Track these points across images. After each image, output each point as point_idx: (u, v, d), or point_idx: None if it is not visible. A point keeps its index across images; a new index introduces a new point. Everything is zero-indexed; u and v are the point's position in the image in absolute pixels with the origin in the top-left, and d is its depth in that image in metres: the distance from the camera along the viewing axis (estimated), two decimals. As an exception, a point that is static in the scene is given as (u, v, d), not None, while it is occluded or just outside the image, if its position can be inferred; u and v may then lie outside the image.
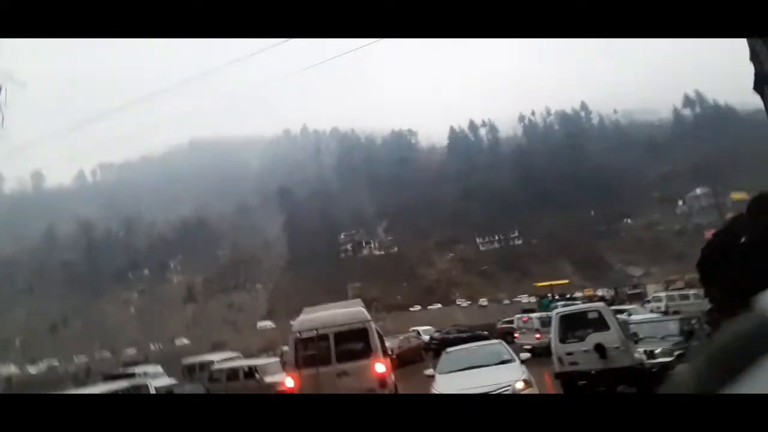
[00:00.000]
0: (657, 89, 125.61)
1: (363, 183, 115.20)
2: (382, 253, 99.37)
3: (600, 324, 9.85)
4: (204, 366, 20.22)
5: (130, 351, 73.01)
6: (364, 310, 8.98)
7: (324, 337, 8.02)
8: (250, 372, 15.35)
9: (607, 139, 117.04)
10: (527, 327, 19.50)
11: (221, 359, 20.93)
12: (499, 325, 31.35)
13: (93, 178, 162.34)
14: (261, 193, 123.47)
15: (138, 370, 19.28)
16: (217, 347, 56.86)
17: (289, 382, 8.03)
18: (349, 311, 8.97)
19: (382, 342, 8.99)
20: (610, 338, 8.92)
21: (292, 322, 9.36)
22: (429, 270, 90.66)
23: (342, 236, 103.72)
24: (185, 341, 74.19)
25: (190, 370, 20.83)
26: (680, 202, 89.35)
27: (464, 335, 27.78)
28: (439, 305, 69.20)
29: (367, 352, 7.96)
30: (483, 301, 68.16)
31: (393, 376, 8.66)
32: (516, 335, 20.73)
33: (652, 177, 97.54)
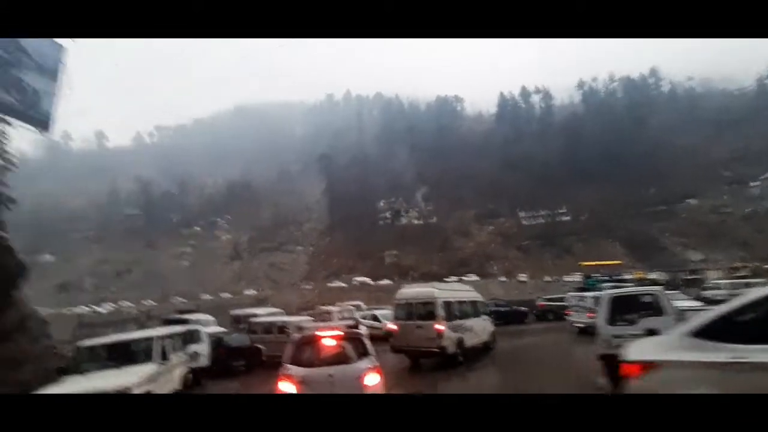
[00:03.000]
0: (742, 54, 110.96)
1: (404, 150, 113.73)
2: (421, 222, 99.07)
3: (655, 309, 9.36)
4: (249, 318, 21.57)
5: (184, 300, 79.42)
6: (436, 291, 12.97)
7: (410, 305, 13.09)
8: (282, 328, 16.40)
9: (677, 110, 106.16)
10: (581, 305, 19.26)
11: (265, 313, 22.36)
12: (539, 302, 30.78)
13: (150, 140, 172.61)
14: (303, 159, 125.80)
15: (192, 317, 20.87)
16: (260, 302, 60.48)
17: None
18: (426, 290, 13.28)
19: (448, 310, 12.77)
20: (664, 324, 8.41)
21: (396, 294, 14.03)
22: (467, 242, 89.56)
23: (381, 204, 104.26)
24: (232, 295, 79.39)
25: (237, 320, 22.39)
26: (752, 184, 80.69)
27: (502, 309, 27.58)
28: (476, 277, 68.59)
29: (432, 316, 12.32)
30: (522, 277, 66.73)
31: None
32: (569, 312, 21.04)
33: (722, 154, 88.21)
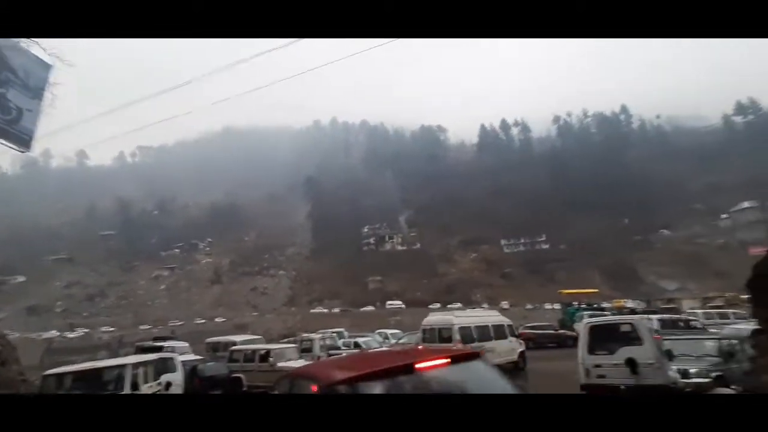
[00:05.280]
0: (706, 94, 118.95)
1: (390, 177, 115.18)
2: (405, 248, 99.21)
3: (633, 338, 9.47)
4: (227, 345, 20.85)
5: (159, 325, 76.40)
6: (454, 318, 15.12)
7: (433, 330, 15.05)
8: (265, 356, 15.86)
9: (648, 145, 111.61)
10: None
11: (242, 340, 21.63)
12: (521, 330, 30.72)
13: (132, 159, 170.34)
14: (289, 182, 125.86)
15: (166, 344, 20.05)
16: (239, 329, 58.61)
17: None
18: (445, 318, 15.66)
19: (465, 334, 14.60)
20: (643, 353, 8.52)
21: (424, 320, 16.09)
22: (451, 268, 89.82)
23: (366, 229, 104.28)
24: (212, 320, 76.85)
25: (214, 348, 21.60)
26: (724, 216, 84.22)
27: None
28: (459, 305, 68.50)
29: (449, 339, 14.19)
30: (504, 304, 66.88)
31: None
32: None
33: (695, 187, 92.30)
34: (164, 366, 13.06)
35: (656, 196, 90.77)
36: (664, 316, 20.79)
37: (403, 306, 72.88)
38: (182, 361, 15.00)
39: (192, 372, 14.97)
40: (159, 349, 17.33)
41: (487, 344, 15.06)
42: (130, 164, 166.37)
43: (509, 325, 17.29)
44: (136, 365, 10.49)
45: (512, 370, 15.85)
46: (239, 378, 15.52)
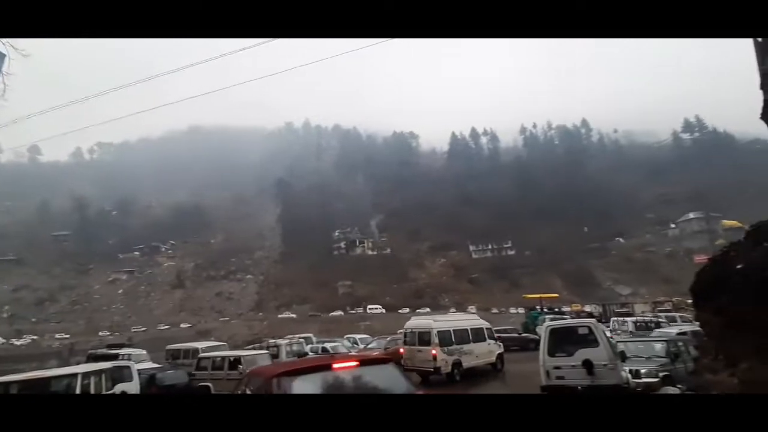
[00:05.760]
0: (659, 112, 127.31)
1: (361, 181, 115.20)
2: (375, 252, 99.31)
3: (590, 340, 9.86)
4: (188, 353, 20.05)
5: (115, 332, 72.43)
6: (432, 322, 16.03)
7: (414, 333, 15.77)
8: (235, 363, 15.34)
9: (606, 158, 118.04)
10: (622, 329, 21.00)
11: (205, 347, 20.82)
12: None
13: (90, 156, 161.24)
14: (258, 184, 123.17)
15: (122, 351, 19.10)
16: (202, 335, 56.54)
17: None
18: (425, 321, 16.68)
19: (444, 337, 15.37)
20: (598, 355, 8.93)
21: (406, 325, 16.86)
22: (420, 273, 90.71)
23: (336, 233, 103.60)
24: (171, 326, 73.71)
25: (174, 355, 20.70)
26: (672, 226, 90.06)
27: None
28: (428, 309, 69.23)
29: (429, 342, 14.97)
30: (472, 309, 68.23)
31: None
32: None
33: (647, 198, 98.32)
34: (119, 375, 12.45)
35: (612, 206, 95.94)
36: (637, 318, 22.96)
37: (384, 311, 72.82)
38: (139, 370, 14.34)
39: (150, 381, 14.29)
40: (114, 357, 16.47)
41: (466, 346, 15.91)
42: (88, 161, 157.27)
43: (489, 329, 17.93)
44: (87, 374, 9.97)
45: (490, 371, 16.72)
46: (207, 387, 14.91)
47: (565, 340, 9.96)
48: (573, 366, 9.15)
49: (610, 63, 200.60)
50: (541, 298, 38.75)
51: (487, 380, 15.57)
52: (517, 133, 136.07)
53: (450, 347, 15.36)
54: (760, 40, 13.60)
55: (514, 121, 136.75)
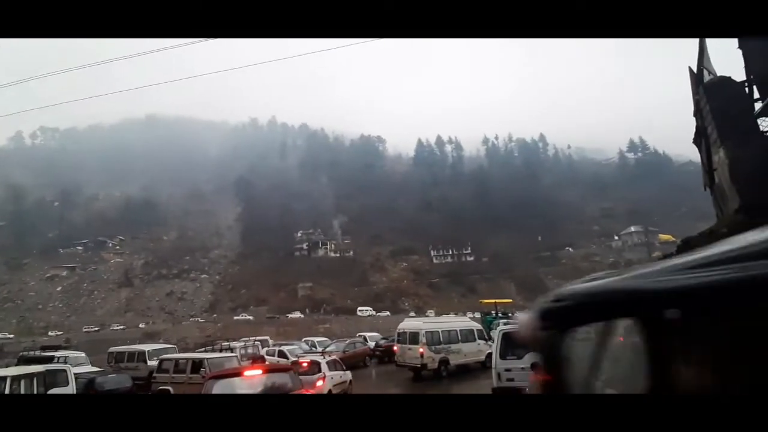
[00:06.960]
0: (608, 132, 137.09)
1: (325, 183, 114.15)
2: (337, 255, 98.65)
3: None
4: (132, 355, 19.04)
5: (51, 332, 66.98)
6: (422, 323, 18.39)
7: (405, 333, 17.75)
8: (198, 366, 14.66)
9: (559, 171, 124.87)
10: None
11: (153, 350, 19.79)
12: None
13: (32, 141, 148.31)
14: (218, 181, 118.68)
15: (58, 354, 17.80)
16: (149, 337, 53.57)
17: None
18: (415, 323, 18.90)
19: (432, 337, 17.18)
20: (546, 358, 9.42)
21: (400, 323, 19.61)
22: (381, 277, 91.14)
23: (298, 234, 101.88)
24: (115, 327, 69.20)
25: (118, 359, 19.52)
26: (616, 238, 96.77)
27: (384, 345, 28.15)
28: (388, 313, 69.62)
29: (418, 341, 16.80)
30: (430, 312, 69.41)
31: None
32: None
33: (593, 212, 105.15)
34: (53, 379, 11.68)
35: (563, 218, 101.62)
36: None
37: (374, 312, 71.68)
38: (76, 374, 13.46)
39: (88, 386, 13.47)
40: (48, 359, 15.31)
41: (453, 346, 17.78)
42: (29, 146, 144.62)
43: (479, 330, 19.87)
44: (17, 378, 9.26)
45: (480, 368, 18.18)
46: (167, 391, 14.13)
47: (516, 344, 10.44)
48: (522, 368, 9.60)
49: (570, 80, 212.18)
50: (496, 303, 40.02)
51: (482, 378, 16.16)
52: (480, 143, 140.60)
53: (437, 346, 17.19)
54: (695, 71, 14.96)
55: (478, 131, 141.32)
